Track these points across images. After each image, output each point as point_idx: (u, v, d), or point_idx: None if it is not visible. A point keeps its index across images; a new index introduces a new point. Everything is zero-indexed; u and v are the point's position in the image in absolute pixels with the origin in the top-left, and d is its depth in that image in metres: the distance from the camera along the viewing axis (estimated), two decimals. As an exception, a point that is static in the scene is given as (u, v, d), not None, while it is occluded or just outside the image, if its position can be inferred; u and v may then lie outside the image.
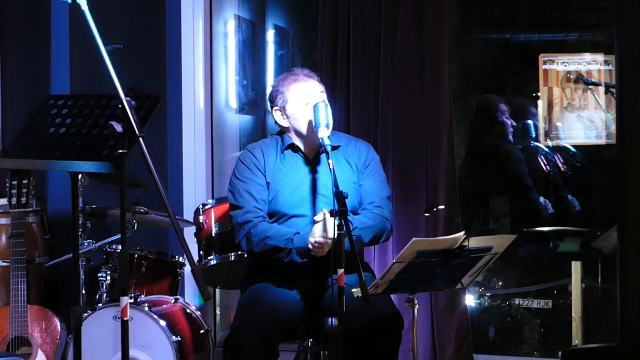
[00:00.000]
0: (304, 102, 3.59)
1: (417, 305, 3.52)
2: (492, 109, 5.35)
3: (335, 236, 3.11)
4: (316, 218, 3.43)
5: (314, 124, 3.45)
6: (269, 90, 3.80)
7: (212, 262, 4.08)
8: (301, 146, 3.68)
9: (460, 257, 3.24)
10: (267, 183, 3.64)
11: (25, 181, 4.09)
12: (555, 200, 5.29)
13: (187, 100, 5.07)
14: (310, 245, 3.41)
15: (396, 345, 3.45)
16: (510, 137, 5.28)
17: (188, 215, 4.64)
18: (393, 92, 4.50)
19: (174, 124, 5.06)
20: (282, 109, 3.65)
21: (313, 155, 3.68)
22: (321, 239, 3.36)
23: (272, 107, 3.70)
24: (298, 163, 3.68)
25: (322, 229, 3.37)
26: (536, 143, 5.23)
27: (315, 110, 3.45)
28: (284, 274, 3.59)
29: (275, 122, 3.71)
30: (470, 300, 4.93)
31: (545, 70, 4.93)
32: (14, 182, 4.09)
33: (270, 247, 3.50)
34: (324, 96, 3.63)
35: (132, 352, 3.27)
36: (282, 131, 3.73)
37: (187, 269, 4.49)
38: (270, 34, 5.57)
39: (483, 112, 5.45)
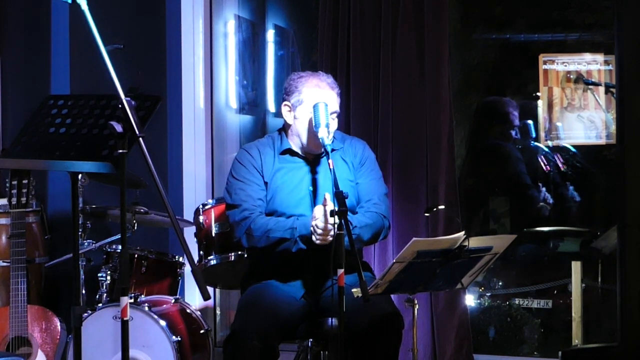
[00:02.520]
0: None
1: (417, 305, 3.52)
2: (495, 111, 5.35)
3: (335, 236, 3.11)
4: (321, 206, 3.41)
5: (314, 124, 3.44)
6: (272, 86, 3.79)
7: (212, 262, 4.08)
8: (299, 150, 3.68)
9: (460, 257, 3.24)
10: (265, 183, 3.63)
11: (25, 181, 4.09)
12: (555, 200, 5.29)
13: (187, 100, 5.06)
14: (312, 229, 3.40)
15: (396, 345, 3.44)
16: (512, 137, 5.28)
17: (188, 215, 4.65)
18: (393, 92, 4.50)
19: (174, 124, 5.06)
20: (293, 107, 3.64)
21: (312, 157, 3.68)
22: (322, 224, 3.35)
23: (283, 99, 3.69)
24: (297, 163, 3.68)
25: (323, 214, 3.36)
26: (536, 143, 5.23)
27: (315, 110, 3.44)
28: (284, 274, 3.60)
29: (280, 114, 3.70)
30: (470, 300, 4.93)
31: (545, 70, 4.94)
32: (14, 182, 4.09)
33: (274, 240, 3.49)
34: (338, 109, 3.62)
35: (132, 352, 3.27)
36: (283, 128, 3.73)
37: (187, 269, 4.49)
38: (270, 34, 5.57)
39: (484, 114, 5.45)
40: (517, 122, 5.27)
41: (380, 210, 3.63)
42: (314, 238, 3.40)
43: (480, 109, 5.51)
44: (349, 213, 3.21)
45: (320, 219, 3.36)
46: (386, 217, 3.66)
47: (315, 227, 3.38)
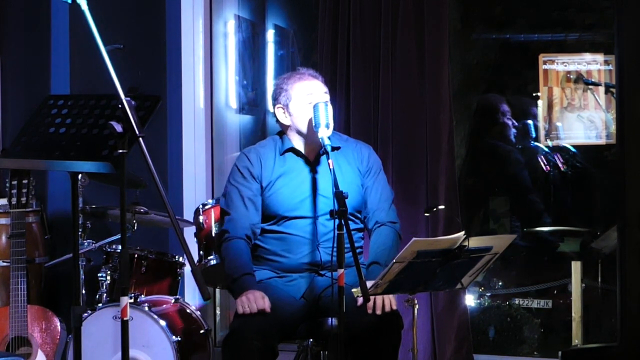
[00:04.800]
0: (308, 100, 3.59)
1: (417, 305, 3.52)
2: (493, 108, 5.35)
3: (336, 236, 3.12)
4: None
5: (314, 124, 3.45)
6: (271, 88, 3.80)
7: (212, 262, 4.08)
8: (301, 148, 3.68)
9: (460, 257, 3.24)
10: (263, 188, 3.63)
11: (25, 181, 4.10)
12: (555, 200, 5.29)
13: (187, 100, 5.06)
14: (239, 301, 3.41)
15: (396, 345, 3.45)
16: (512, 137, 5.28)
17: (188, 215, 4.64)
18: (393, 92, 4.50)
19: (174, 124, 5.05)
20: (285, 107, 3.65)
21: (313, 157, 3.68)
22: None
23: (274, 105, 3.69)
24: (298, 164, 3.68)
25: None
26: (536, 143, 5.23)
27: (315, 110, 3.45)
28: (282, 273, 3.61)
29: (277, 120, 3.71)
30: (470, 300, 4.93)
31: (545, 70, 4.94)
32: (14, 182, 4.09)
33: (225, 266, 3.55)
34: (327, 97, 3.63)
35: (132, 352, 3.27)
36: (282, 131, 3.73)
37: (187, 269, 4.49)
38: (270, 34, 5.57)
39: (483, 112, 5.45)
40: (512, 120, 5.28)
41: (390, 218, 3.69)
42: (238, 302, 3.40)
43: (478, 108, 5.51)
44: (377, 250, 3.35)
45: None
46: (396, 222, 3.72)
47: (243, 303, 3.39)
